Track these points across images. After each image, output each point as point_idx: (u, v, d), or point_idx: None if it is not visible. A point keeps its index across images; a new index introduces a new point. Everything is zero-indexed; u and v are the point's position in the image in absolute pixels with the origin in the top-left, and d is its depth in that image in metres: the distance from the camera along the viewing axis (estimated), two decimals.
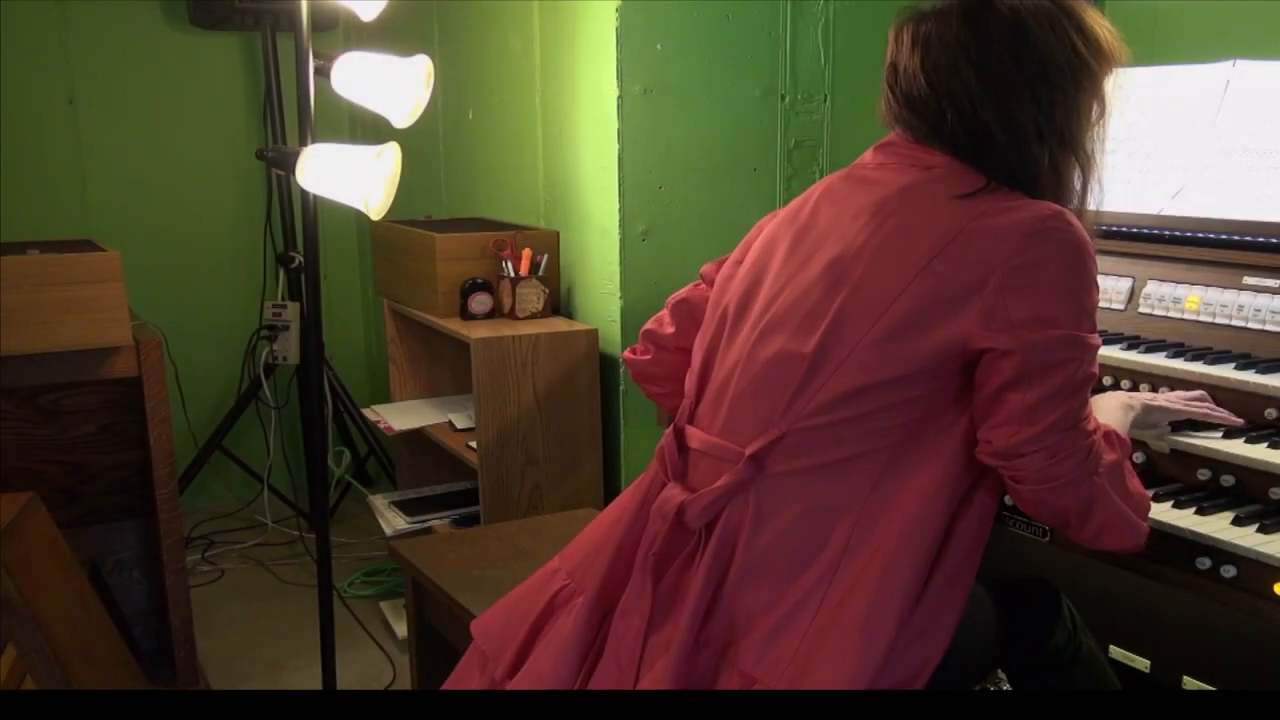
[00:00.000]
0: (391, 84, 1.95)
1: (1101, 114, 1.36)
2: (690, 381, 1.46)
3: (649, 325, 1.63)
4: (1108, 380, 1.65)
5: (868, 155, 1.42)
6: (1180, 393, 1.54)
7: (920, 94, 1.33)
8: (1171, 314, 1.70)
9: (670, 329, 1.60)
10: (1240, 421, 1.49)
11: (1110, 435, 1.28)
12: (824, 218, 1.38)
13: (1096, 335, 1.24)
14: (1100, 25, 1.34)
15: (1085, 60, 1.31)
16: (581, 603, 1.38)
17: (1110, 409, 1.42)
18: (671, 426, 1.44)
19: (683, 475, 1.39)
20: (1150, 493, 1.42)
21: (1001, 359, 1.21)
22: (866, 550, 1.24)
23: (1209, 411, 1.49)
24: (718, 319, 1.45)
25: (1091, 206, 1.37)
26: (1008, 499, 1.58)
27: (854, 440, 1.25)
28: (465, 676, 1.51)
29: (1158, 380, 1.59)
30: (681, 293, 1.62)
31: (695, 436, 1.39)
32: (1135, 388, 1.62)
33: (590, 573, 1.41)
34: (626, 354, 1.66)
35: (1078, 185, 1.35)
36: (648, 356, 1.62)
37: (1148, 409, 1.47)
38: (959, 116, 1.31)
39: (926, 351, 1.23)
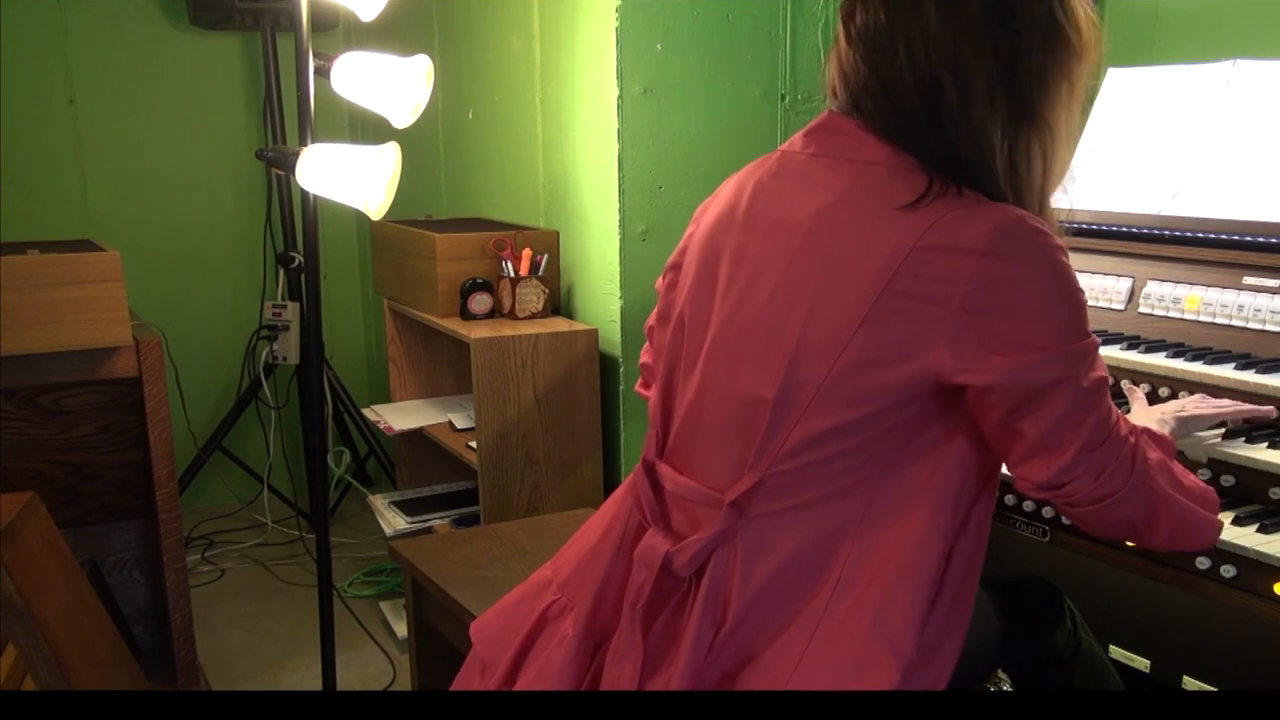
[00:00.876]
0: (391, 84, 1.95)
1: (1071, 97, 1.21)
2: (653, 409, 1.38)
3: (643, 359, 1.56)
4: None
5: (796, 141, 1.29)
6: (1200, 398, 1.52)
7: (876, 30, 1.18)
8: (1171, 314, 1.70)
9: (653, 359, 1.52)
10: (1274, 413, 1.45)
11: (1149, 434, 1.22)
12: (760, 228, 1.26)
13: (1090, 338, 1.15)
14: (1085, 9, 1.21)
15: (1061, 26, 1.18)
16: (571, 635, 1.32)
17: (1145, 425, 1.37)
18: (641, 462, 1.35)
19: (662, 520, 1.31)
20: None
21: (986, 394, 1.12)
22: (859, 584, 1.18)
23: (1237, 410, 1.46)
24: (670, 344, 1.36)
25: (1062, 204, 1.24)
26: (1009, 499, 1.59)
27: (838, 475, 1.18)
28: (466, 681, 1.50)
29: (1158, 380, 1.59)
30: (651, 317, 1.51)
31: (669, 477, 1.31)
32: (1136, 387, 1.62)
33: (580, 591, 1.36)
34: (638, 388, 1.58)
35: (1040, 174, 1.20)
36: (649, 392, 1.52)
37: (1181, 422, 1.42)
38: (910, 58, 1.16)
39: (895, 386, 1.14)
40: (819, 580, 1.19)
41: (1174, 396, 1.57)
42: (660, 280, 1.48)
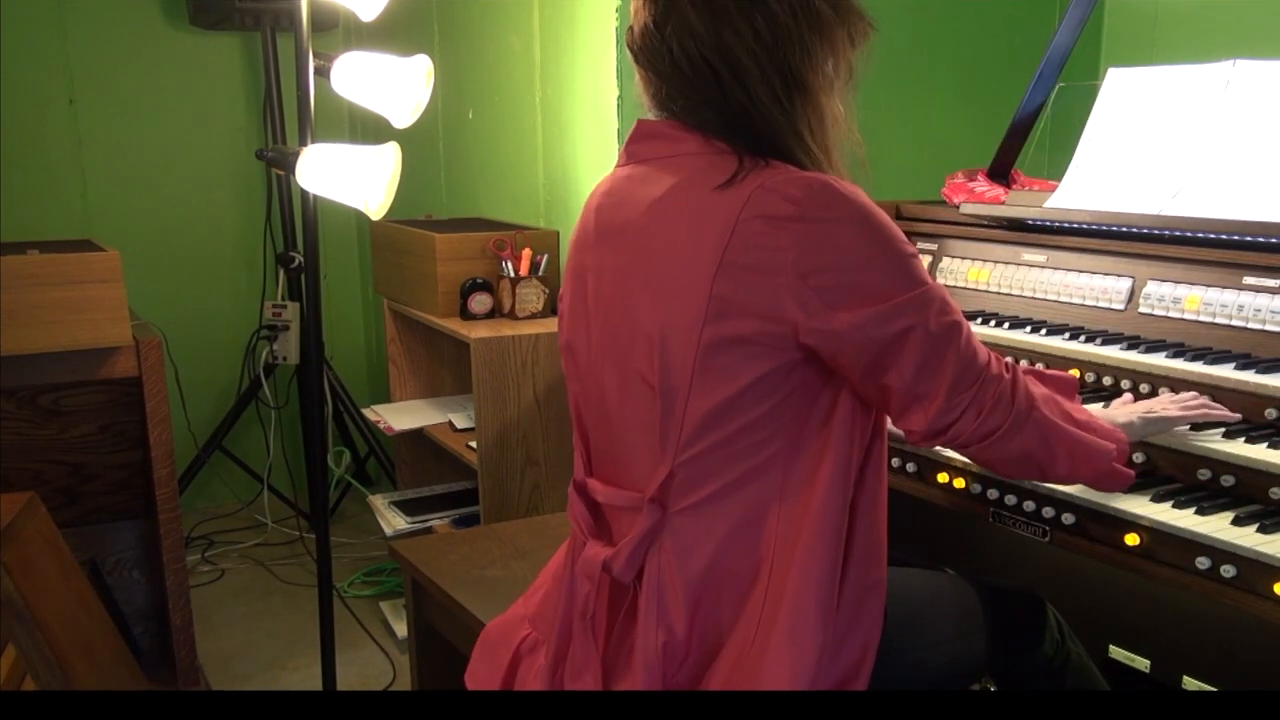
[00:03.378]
0: (391, 84, 1.95)
1: (844, 73, 1.28)
2: (575, 432, 1.43)
3: None
4: (1108, 380, 1.66)
5: (621, 157, 1.37)
6: (1170, 395, 1.54)
7: (647, 38, 1.26)
8: (1171, 314, 1.70)
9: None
10: (1237, 417, 1.48)
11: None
12: (608, 237, 1.33)
13: (927, 285, 1.19)
14: None
15: (812, 3, 1.24)
16: (543, 664, 1.37)
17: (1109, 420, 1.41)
18: (572, 484, 1.41)
19: (600, 532, 1.37)
20: (1150, 493, 1.42)
21: (837, 355, 1.18)
22: (787, 552, 1.23)
23: (1206, 412, 1.48)
24: (569, 364, 1.42)
25: (861, 182, 1.27)
26: (1009, 499, 1.59)
27: (742, 456, 1.23)
28: None
29: (1158, 380, 1.59)
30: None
31: (598, 490, 1.37)
32: (1135, 388, 1.62)
33: (547, 626, 1.40)
34: None
35: (817, 135, 1.26)
36: None
37: (1146, 421, 1.45)
38: (683, 52, 1.23)
39: (758, 358, 1.20)
40: (755, 562, 1.24)
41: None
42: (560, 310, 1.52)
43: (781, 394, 1.21)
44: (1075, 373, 1.68)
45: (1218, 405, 1.50)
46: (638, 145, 1.33)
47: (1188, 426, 1.49)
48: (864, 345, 1.17)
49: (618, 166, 1.37)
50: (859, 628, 1.26)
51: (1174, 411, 1.48)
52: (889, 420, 1.31)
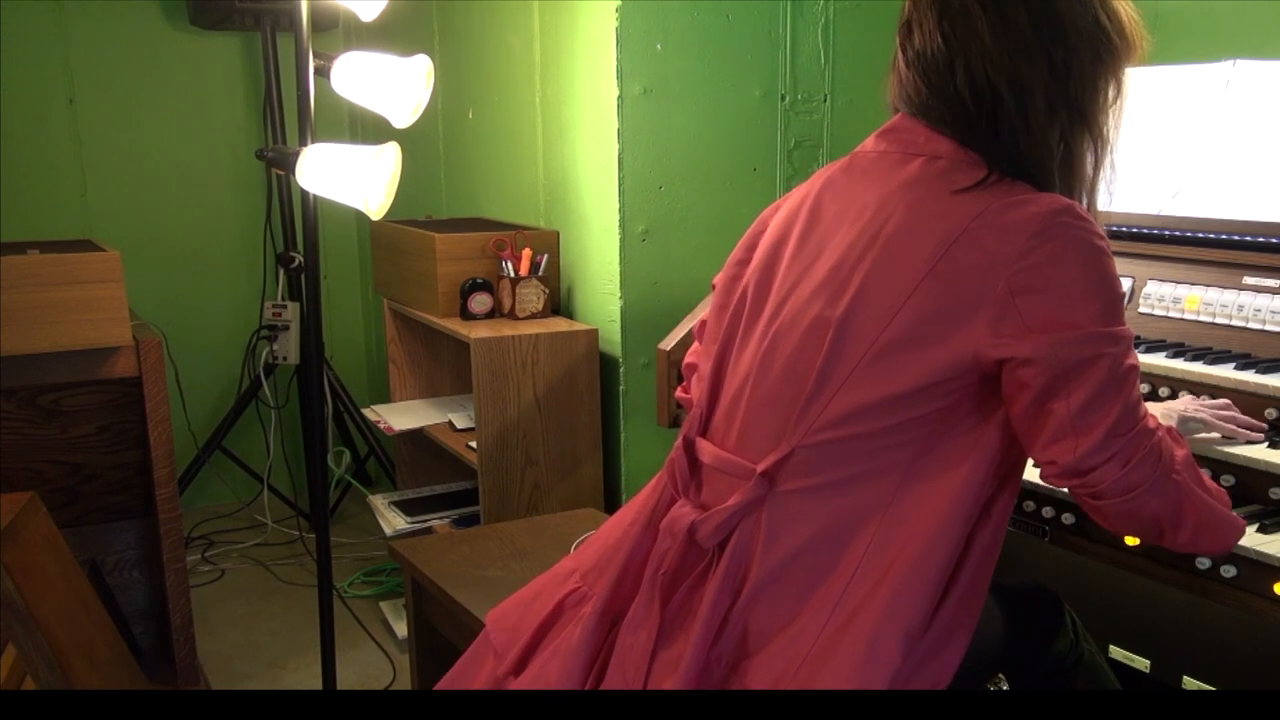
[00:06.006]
0: (391, 84, 1.95)
1: (1118, 96, 1.29)
2: (699, 390, 1.42)
3: (688, 358, 1.58)
4: None
5: (869, 142, 1.36)
6: (1207, 400, 1.51)
7: (933, 51, 1.26)
8: (1171, 314, 1.70)
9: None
10: (1260, 437, 1.45)
11: (1174, 432, 1.23)
12: (826, 216, 1.33)
13: (1125, 326, 1.18)
14: (1126, 8, 1.28)
15: (1107, 33, 1.25)
16: (590, 612, 1.35)
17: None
18: (681, 438, 1.39)
19: (693, 491, 1.35)
20: None
21: (1023, 368, 1.14)
22: (876, 571, 1.19)
23: (1235, 430, 1.45)
24: (726, 327, 1.41)
25: (1104, 196, 1.31)
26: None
27: (865, 456, 1.21)
28: (473, 667, 1.49)
29: (1158, 380, 1.59)
30: (702, 314, 1.56)
31: (707, 451, 1.35)
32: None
33: (601, 578, 1.39)
34: (679, 393, 1.60)
35: (1090, 170, 1.28)
36: (689, 395, 1.55)
37: (1184, 420, 1.43)
38: (969, 76, 1.23)
39: (934, 366, 1.18)
40: (837, 567, 1.21)
41: (1174, 396, 1.57)
42: (719, 275, 1.52)
43: (926, 408, 1.19)
44: None
45: (1247, 419, 1.47)
46: (890, 135, 1.33)
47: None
48: (1049, 365, 1.13)
49: (859, 151, 1.37)
50: (936, 660, 1.22)
51: (1206, 414, 1.45)
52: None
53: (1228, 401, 1.51)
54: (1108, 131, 1.28)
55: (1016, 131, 1.23)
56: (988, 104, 1.24)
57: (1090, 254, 1.17)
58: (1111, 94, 1.28)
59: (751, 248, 1.45)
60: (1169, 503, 1.17)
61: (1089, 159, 1.27)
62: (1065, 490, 1.45)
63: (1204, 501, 1.20)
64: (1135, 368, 1.17)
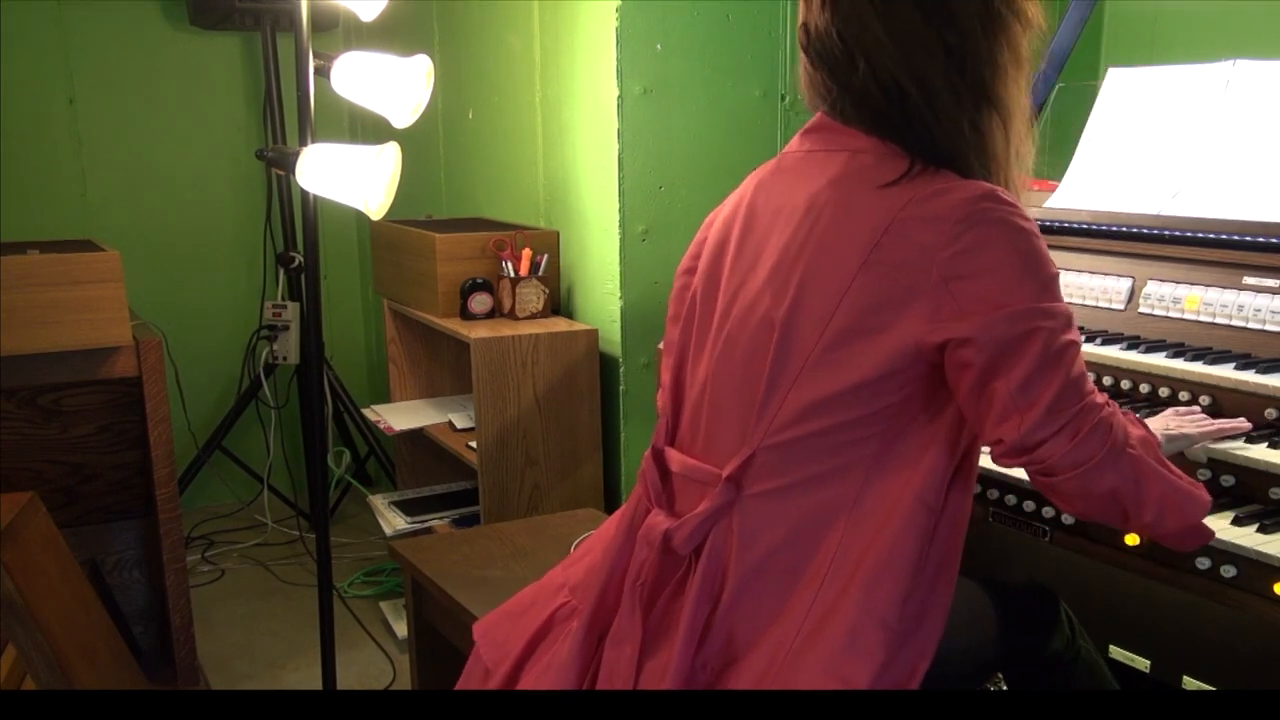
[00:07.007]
0: (391, 84, 1.95)
1: (1019, 70, 1.28)
2: (663, 400, 1.44)
3: (663, 376, 1.58)
4: (1108, 380, 1.66)
5: (795, 142, 1.38)
6: (1179, 410, 1.52)
7: (834, 52, 1.26)
8: (1171, 314, 1.70)
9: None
10: (1248, 427, 1.46)
11: (1130, 415, 1.24)
12: (761, 218, 1.34)
13: (1060, 303, 1.19)
14: None
15: (999, 12, 1.24)
16: (577, 626, 1.36)
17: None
18: (651, 449, 1.41)
19: (666, 501, 1.37)
20: None
21: (962, 348, 1.16)
22: (849, 566, 1.22)
23: (1222, 427, 1.46)
24: (680, 336, 1.44)
25: (1020, 172, 1.30)
26: (1009, 499, 1.59)
27: (827, 454, 1.23)
28: (470, 684, 1.50)
29: (1158, 380, 1.59)
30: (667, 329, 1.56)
31: (675, 459, 1.37)
32: (1135, 388, 1.62)
33: (588, 592, 1.40)
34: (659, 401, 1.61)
35: (1001, 149, 1.27)
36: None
37: (1169, 439, 1.43)
38: (871, 71, 1.24)
39: (879, 358, 1.19)
40: (811, 565, 1.23)
41: (1174, 396, 1.57)
42: (675, 287, 1.53)
43: (884, 401, 1.21)
44: None
45: (1228, 420, 1.48)
46: (814, 134, 1.34)
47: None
48: (985, 344, 1.15)
49: (786, 152, 1.38)
50: (913, 642, 1.23)
51: (1190, 429, 1.46)
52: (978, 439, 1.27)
53: (1195, 408, 1.52)
54: (1012, 105, 1.27)
55: (927, 122, 1.24)
56: (895, 98, 1.24)
57: (1015, 235, 1.18)
58: (1012, 69, 1.27)
59: (696, 256, 1.47)
60: (1125, 478, 1.17)
61: (999, 137, 1.26)
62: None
63: (1163, 476, 1.20)
64: (1075, 343, 1.18)
